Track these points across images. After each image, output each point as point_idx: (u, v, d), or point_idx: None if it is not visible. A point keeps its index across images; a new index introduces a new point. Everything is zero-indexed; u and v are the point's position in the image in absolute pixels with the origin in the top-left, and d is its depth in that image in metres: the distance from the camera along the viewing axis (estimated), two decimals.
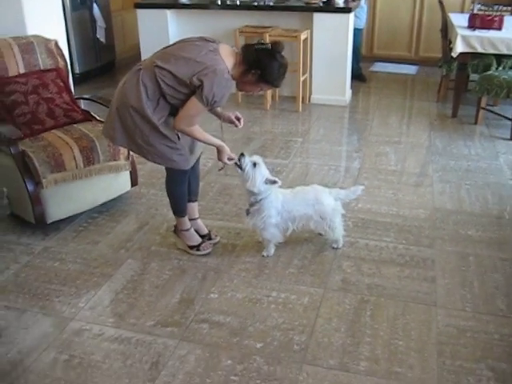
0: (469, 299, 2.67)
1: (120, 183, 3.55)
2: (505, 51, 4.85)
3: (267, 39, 5.29)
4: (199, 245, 3.05)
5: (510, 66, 5.31)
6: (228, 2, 5.86)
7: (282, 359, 2.29)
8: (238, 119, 2.94)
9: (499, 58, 5.30)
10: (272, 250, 3.02)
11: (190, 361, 2.29)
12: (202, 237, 3.12)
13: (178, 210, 3.01)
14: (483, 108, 5.04)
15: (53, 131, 3.36)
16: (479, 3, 6.12)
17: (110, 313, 2.59)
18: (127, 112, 2.63)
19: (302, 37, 5.34)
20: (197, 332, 2.45)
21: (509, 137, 4.74)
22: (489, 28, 5.02)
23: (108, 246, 3.15)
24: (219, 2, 5.83)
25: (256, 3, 5.78)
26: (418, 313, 2.57)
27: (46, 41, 3.70)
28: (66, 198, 3.27)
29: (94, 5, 6.67)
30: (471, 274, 2.87)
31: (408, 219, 3.42)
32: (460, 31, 4.96)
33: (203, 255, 3.03)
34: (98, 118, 3.66)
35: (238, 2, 5.84)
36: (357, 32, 6.08)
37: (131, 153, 3.47)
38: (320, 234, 3.15)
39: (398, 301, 2.65)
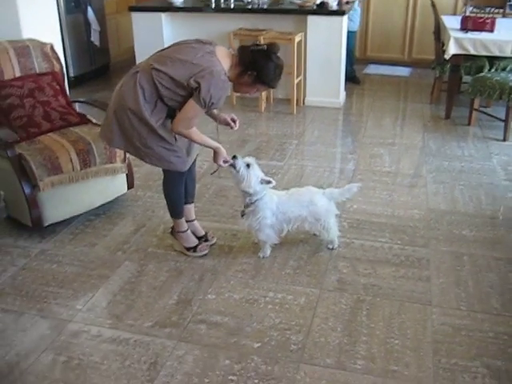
0: (463, 298, 2.70)
1: (116, 186, 3.57)
2: (497, 53, 4.90)
3: (261, 41, 5.33)
4: (196, 246, 3.07)
5: (502, 68, 5.36)
6: (222, 5, 5.90)
7: (279, 359, 2.31)
8: (234, 121, 2.96)
9: (491, 59, 5.35)
10: (268, 251, 3.04)
11: (188, 361, 2.31)
12: (199, 238, 3.14)
13: (175, 211, 3.03)
14: (476, 109, 5.09)
15: (49, 134, 3.37)
16: (471, 5, 6.20)
17: (108, 314, 2.61)
18: (125, 114, 2.64)
19: (296, 39, 5.38)
20: (195, 332, 2.47)
21: (502, 138, 4.79)
22: (481, 30, 5.06)
23: (105, 249, 3.16)
24: (213, 5, 5.86)
25: (250, 6, 5.81)
26: (413, 312, 2.60)
27: (42, 44, 3.71)
28: (63, 200, 3.28)
29: (89, 8, 6.68)
30: (466, 273, 2.90)
31: (403, 220, 3.45)
32: (453, 33, 5.00)
33: (200, 257, 3.05)
34: (93, 121, 3.67)
35: (232, 5, 5.88)
36: (350, 35, 6.12)
37: (127, 155, 3.49)
38: (315, 235, 3.18)
39: (393, 300, 2.68)
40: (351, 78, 6.55)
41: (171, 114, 2.71)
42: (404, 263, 2.99)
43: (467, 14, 5.95)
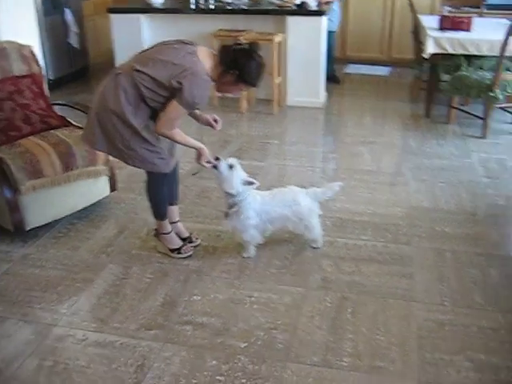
0: (447, 294, 2.73)
1: (99, 188, 3.54)
2: (474, 52, 4.97)
3: (243, 41, 5.34)
4: (180, 248, 3.06)
5: (479, 66, 5.42)
6: (202, 6, 5.89)
7: (266, 358, 2.32)
8: (216, 121, 2.96)
9: (469, 58, 5.42)
10: (252, 251, 3.05)
11: (175, 362, 2.30)
12: (183, 240, 3.13)
13: (159, 213, 3.02)
14: (455, 107, 5.16)
15: (30, 137, 3.33)
16: (448, 5, 6.28)
17: (93, 318, 2.59)
18: (107, 117, 2.63)
19: (277, 40, 5.40)
20: (181, 334, 2.47)
21: (480, 135, 4.86)
22: (458, 29, 5.13)
23: (88, 252, 3.14)
24: (193, 6, 5.85)
25: (230, 7, 5.82)
26: (397, 308, 2.63)
27: (20, 47, 3.67)
28: (45, 204, 3.25)
29: (67, 10, 6.61)
30: (448, 269, 2.94)
31: (385, 218, 3.48)
32: (431, 33, 5.06)
33: (184, 258, 3.04)
34: (74, 123, 3.64)
35: (211, 6, 5.87)
36: (330, 34, 6.15)
37: (110, 158, 3.47)
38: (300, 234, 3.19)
39: (377, 297, 2.71)
40: (331, 78, 6.58)
41: (154, 116, 2.71)
42: (387, 261, 3.02)
43: (444, 13, 6.02)
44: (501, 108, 5.15)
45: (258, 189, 3.01)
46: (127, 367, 2.28)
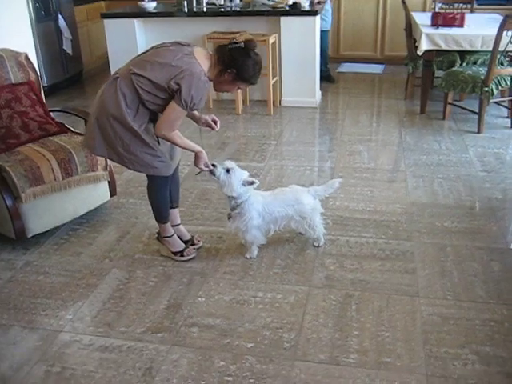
0: (449, 288, 2.75)
1: (99, 193, 3.55)
2: (468, 47, 5.01)
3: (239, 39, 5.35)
4: (183, 250, 3.07)
5: (473, 62, 5.47)
6: (195, 9, 5.90)
7: (273, 357, 2.33)
8: (215, 122, 2.97)
9: (462, 54, 5.47)
10: (255, 252, 3.06)
11: (183, 365, 2.31)
12: (185, 242, 3.14)
13: (161, 216, 3.03)
14: (450, 103, 5.19)
15: (29, 145, 3.34)
16: (440, 2, 6.32)
17: (99, 322, 2.59)
18: (107, 121, 2.64)
19: (271, 40, 5.41)
20: (187, 336, 2.48)
21: (476, 130, 4.89)
22: (451, 25, 5.18)
23: (91, 257, 3.14)
24: (186, 10, 5.86)
25: (223, 9, 5.84)
26: (401, 304, 2.64)
27: (16, 54, 3.67)
28: (46, 210, 3.25)
29: (60, 16, 6.62)
30: (450, 263, 2.96)
31: (385, 214, 3.50)
32: (424, 29, 5.10)
33: (187, 260, 3.05)
34: (72, 129, 3.65)
35: (204, 9, 5.89)
36: (323, 34, 6.18)
37: (109, 162, 3.48)
38: (301, 234, 3.21)
39: (381, 294, 2.72)
40: (326, 77, 6.62)
41: (153, 119, 2.72)
42: (389, 257, 3.04)
43: (437, 9, 6.06)
44: (495, 102, 5.19)
45: (258, 189, 3.03)
46: (135, 371, 2.29)
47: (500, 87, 4.77)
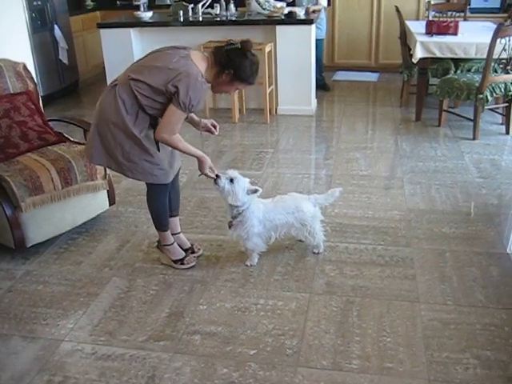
0: (449, 293, 2.77)
1: (98, 203, 3.55)
2: (462, 55, 5.06)
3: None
4: (183, 258, 3.08)
5: (467, 69, 5.53)
6: (191, 19, 5.94)
7: (276, 364, 2.34)
8: (215, 127, 2.99)
9: (457, 61, 5.53)
10: (255, 260, 3.07)
11: (186, 372, 2.31)
12: (185, 250, 3.15)
13: (161, 224, 3.03)
14: (445, 110, 5.23)
15: (28, 154, 3.35)
16: (434, 10, 6.38)
17: (101, 331, 2.59)
18: (107, 128, 2.66)
19: (267, 49, 5.45)
20: (190, 344, 2.48)
21: (471, 137, 4.93)
22: (445, 33, 5.23)
23: (91, 266, 3.14)
24: (182, 19, 5.90)
25: (218, 18, 5.87)
26: (402, 310, 2.66)
27: (14, 64, 3.68)
28: (45, 220, 3.25)
29: (55, 26, 6.64)
30: (449, 269, 2.98)
31: (384, 221, 3.52)
32: (419, 38, 5.15)
33: (188, 269, 3.05)
34: (71, 139, 3.66)
35: (200, 18, 5.93)
36: (318, 42, 6.21)
37: (108, 171, 3.48)
38: (300, 241, 3.22)
39: (382, 300, 2.74)
40: (321, 86, 6.65)
41: (154, 124, 2.73)
42: (389, 263, 3.05)
43: (430, 18, 6.12)
44: (490, 109, 5.24)
45: (258, 197, 3.04)
46: (138, 379, 2.29)
47: (494, 94, 4.81)
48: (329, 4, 6.78)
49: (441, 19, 5.66)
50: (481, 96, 4.73)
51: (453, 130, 5.19)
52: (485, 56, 4.69)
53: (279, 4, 5.84)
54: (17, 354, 2.48)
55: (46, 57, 6.53)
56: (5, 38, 4.11)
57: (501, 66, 4.88)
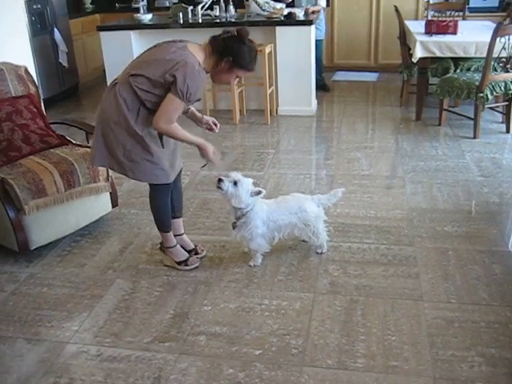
0: (453, 291, 2.78)
1: (101, 205, 3.56)
2: (462, 54, 5.07)
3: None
4: (187, 260, 3.08)
5: (467, 68, 5.54)
6: (190, 21, 5.95)
7: (281, 364, 2.34)
8: (215, 125, 3.00)
9: (456, 61, 5.54)
10: (259, 260, 3.08)
11: (192, 373, 2.32)
12: (189, 252, 3.16)
13: (163, 225, 3.04)
14: (446, 109, 5.24)
15: (30, 157, 3.35)
16: (433, 9, 6.40)
17: (106, 333, 2.60)
18: (109, 128, 2.66)
19: (267, 50, 5.46)
20: (195, 344, 2.48)
21: (472, 136, 4.94)
22: (445, 33, 5.24)
23: (95, 268, 3.15)
24: (181, 21, 5.91)
25: (218, 20, 5.88)
26: (406, 308, 2.66)
27: (16, 67, 3.69)
28: (49, 223, 3.26)
29: (55, 29, 6.65)
30: (452, 267, 2.99)
31: (386, 220, 3.53)
32: (418, 37, 5.16)
33: (191, 270, 3.06)
34: (73, 141, 3.66)
35: (200, 20, 5.93)
36: (318, 43, 6.23)
37: (110, 173, 3.49)
38: (303, 241, 3.23)
39: (386, 298, 2.74)
40: (321, 86, 6.67)
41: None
42: (392, 262, 3.06)
43: (429, 17, 6.13)
44: (490, 108, 5.25)
45: (261, 198, 3.04)
46: (144, 380, 2.29)
47: (494, 93, 4.82)
48: (328, 5, 6.79)
49: (440, 19, 5.66)
50: (481, 95, 4.74)
51: (453, 129, 5.20)
52: (484, 55, 4.71)
53: (279, 5, 5.86)
54: (22, 356, 2.48)
55: (46, 60, 6.54)
56: (6, 42, 4.11)
57: (500, 64, 4.89)
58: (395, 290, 2.81)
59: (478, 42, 4.94)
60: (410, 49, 5.52)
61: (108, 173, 3.47)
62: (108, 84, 2.84)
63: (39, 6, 6.36)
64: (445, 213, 3.60)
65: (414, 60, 5.17)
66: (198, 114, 2.97)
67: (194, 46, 2.68)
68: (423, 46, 5.08)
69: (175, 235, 3.15)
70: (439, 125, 5.29)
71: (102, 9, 8.22)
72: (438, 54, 5.10)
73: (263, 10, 5.82)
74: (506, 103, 5.04)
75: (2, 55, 3.86)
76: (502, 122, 5.24)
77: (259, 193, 2.90)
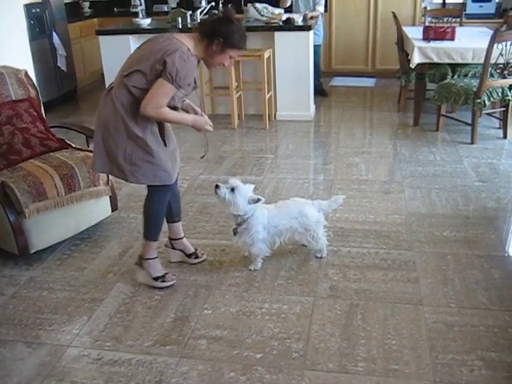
0: (452, 296, 2.79)
1: (101, 209, 3.56)
2: (459, 60, 5.11)
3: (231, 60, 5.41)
4: (164, 276, 2.98)
5: (464, 74, 5.58)
6: (189, 25, 5.97)
7: (282, 367, 2.35)
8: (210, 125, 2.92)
9: (454, 67, 5.59)
10: (259, 264, 3.08)
11: (193, 376, 2.32)
12: (189, 255, 3.16)
13: (153, 231, 2.94)
14: (443, 115, 5.27)
15: (31, 161, 3.36)
16: (430, 16, 6.44)
17: (107, 336, 2.60)
18: (108, 133, 2.66)
19: (265, 55, 5.48)
20: (196, 348, 2.49)
21: (469, 141, 4.97)
22: (442, 39, 5.28)
23: (95, 272, 3.15)
24: (180, 25, 5.93)
25: None
26: (406, 312, 2.68)
27: (16, 71, 3.70)
28: (49, 226, 3.26)
29: (54, 33, 6.66)
30: (451, 272, 3.01)
31: (385, 225, 3.55)
32: (416, 43, 5.20)
33: (168, 287, 2.95)
34: (73, 145, 3.67)
35: None
36: (316, 48, 6.27)
37: (110, 177, 3.49)
38: (303, 245, 3.24)
39: (386, 303, 2.76)
40: (319, 91, 6.70)
41: (157, 122, 2.74)
42: (391, 267, 3.07)
43: (427, 23, 6.18)
44: (487, 114, 5.28)
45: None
46: None
47: (492, 99, 4.86)
48: (325, 10, 6.83)
49: (437, 25, 5.71)
50: (478, 101, 4.78)
51: (451, 135, 5.24)
52: (481, 61, 4.75)
53: (277, 10, 5.89)
54: (23, 360, 2.48)
55: (44, 64, 6.54)
56: (5, 45, 4.12)
57: (498, 70, 4.92)
58: (395, 294, 2.83)
59: (476, 49, 4.98)
60: (407, 54, 5.55)
61: (108, 177, 3.48)
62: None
63: (38, 10, 6.38)
64: (443, 218, 3.63)
65: (412, 66, 5.20)
66: (197, 109, 2.93)
67: (182, 35, 2.69)
68: (421, 52, 5.12)
69: (176, 239, 3.16)
70: (437, 130, 5.32)
71: (100, 13, 8.24)
72: (436, 60, 5.14)
73: (262, 16, 5.85)
74: (503, 109, 5.08)
75: (2, 59, 3.87)
76: (499, 128, 5.27)
77: (258, 201, 2.89)
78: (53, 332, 2.65)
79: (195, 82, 2.75)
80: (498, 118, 5.35)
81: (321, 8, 6.28)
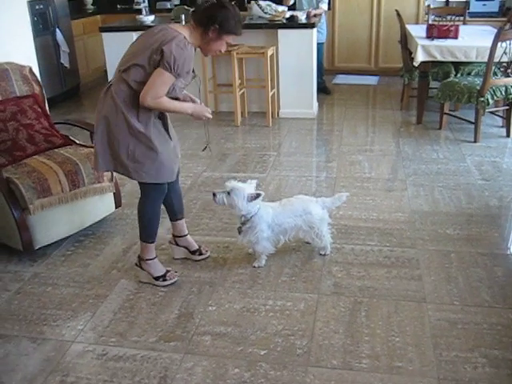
0: (455, 293, 2.80)
1: (105, 205, 3.57)
2: (463, 58, 5.11)
3: (234, 56, 5.43)
4: (165, 274, 2.98)
5: (467, 73, 5.58)
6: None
7: (287, 364, 2.36)
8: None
9: (457, 65, 5.58)
10: (263, 261, 3.09)
11: (198, 373, 2.33)
12: (193, 252, 3.17)
13: (149, 233, 2.93)
14: (446, 113, 5.27)
15: (35, 157, 3.36)
16: (433, 14, 6.43)
17: (111, 332, 2.61)
18: (109, 130, 2.66)
19: (269, 53, 5.48)
20: (200, 344, 2.50)
21: (472, 139, 4.97)
22: (446, 37, 5.28)
23: (99, 268, 3.16)
24: (183, 23, 5.92)
25: None
26: (410, 310, 2.68)
27: (21, 67, 3.71)
28: (53, 222, 3.27)
29: (57, 30, 6.67)
30: (455, 269, 3.01)
31: (388, 223, 3.55)
32: (420, 41, 5.19)
33: (169, 285, 2.96)
34: (77, 141, 3.68)
35: None
36: (319, 46, 6.25)
37: (114, 174, 3.50)
38: (307, 243, 3.24)
39: (389, 300, 2.76)
40: (322, 89, 6.69)
41: (159, 115, 2.74)
42: (395, 264, 3.08)
43: (430, 22, 6.17)
44: (491, 112, 5.27)
45: (263, 200, 3.04)
46: (150, 379, 2.30)
47: (495, 97, 4.86)
48: (329, 8, 6.82)
49: (441, 23, 5.70)
50: (482, 99, 4.78)
51: (454, 133, 5.24)
52: (485, 59, 4.74)
53: (281, 8, 5.89)
54: (28, 355, 2.49)
55: (47, 60, 6.54)
56: (9, 42, 4.12)
57: (501, 69, 4.92)
58: (398, 291, 2.83)
59: (479, 47, 4.98)
60: (411, 53, 5.55)
61: (112, 173, 3.49)
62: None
63: (41, 7, 6.38)
64: (446, 216, 3.63)
65: (416, 64, 5.20)
66: (195, 99, 2.92)
67: (176, 25, 2.68)
68: (424, 50, 5.12)
69: (179, 236, 3.17)
70: (440, 128, 5.32)
71: (103, 10, 8.24)
72: (439, 58, 5.13)
73: (265, 13, 5.85)
74: (507, 107, 5.07)
75: (6, 55, 3.87)
76: (503, 127, 5.27)
77: (257, 196, 2.89)
78: (57, 328, 2.67)
79: (193, 70, 2.74)
80: (501, 117, 5.34)
81: (324, 6, 6.28)
